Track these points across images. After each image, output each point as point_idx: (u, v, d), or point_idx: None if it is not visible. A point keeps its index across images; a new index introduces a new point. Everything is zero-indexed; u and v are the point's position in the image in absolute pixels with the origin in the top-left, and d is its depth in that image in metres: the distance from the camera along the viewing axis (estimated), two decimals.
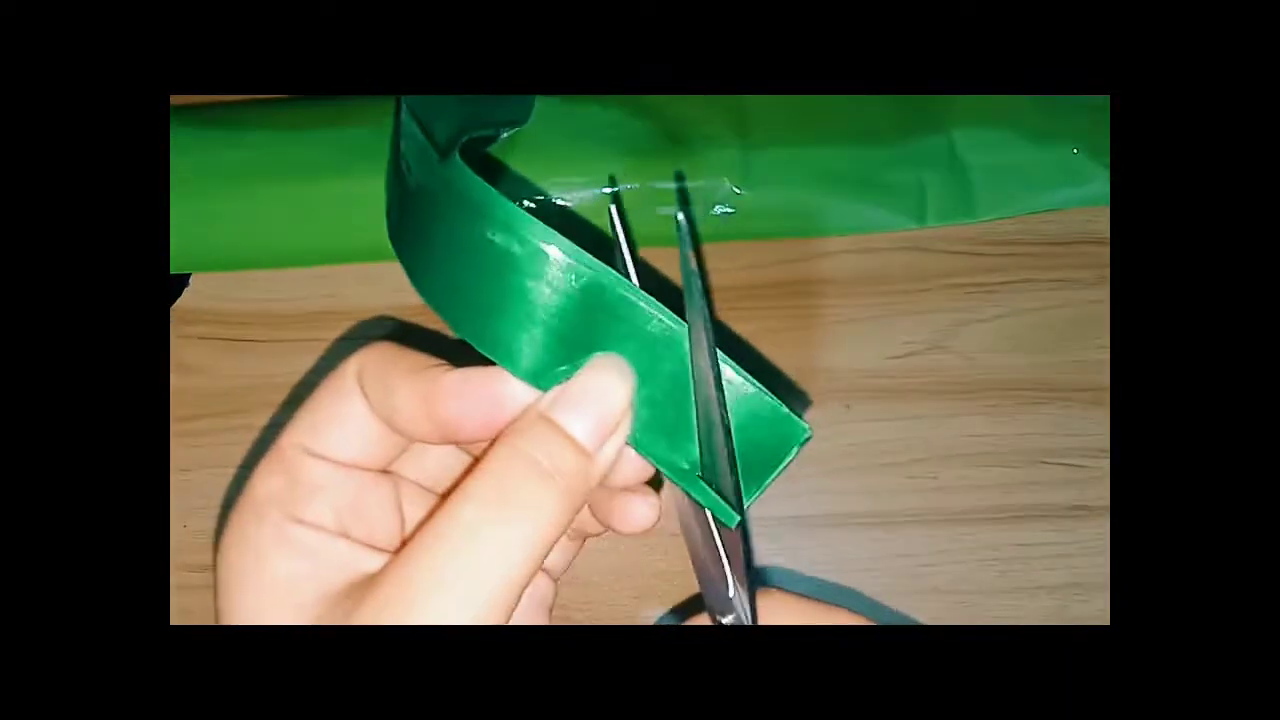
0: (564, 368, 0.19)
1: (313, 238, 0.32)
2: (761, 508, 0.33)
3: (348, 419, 0.20)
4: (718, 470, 0.20)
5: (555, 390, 0.19)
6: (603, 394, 0.19)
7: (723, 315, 0.33)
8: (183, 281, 0.34)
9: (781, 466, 0.21)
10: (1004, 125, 0.33)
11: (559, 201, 0.32)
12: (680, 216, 0.19)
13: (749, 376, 0.20)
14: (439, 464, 0.22)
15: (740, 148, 0.32)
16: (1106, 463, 0.32)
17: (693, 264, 0.18)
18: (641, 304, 0.19)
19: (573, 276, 0.19)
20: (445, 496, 0.19)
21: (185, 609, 0.32)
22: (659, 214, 0.32)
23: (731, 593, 0.20)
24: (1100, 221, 0.34)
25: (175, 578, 0.32)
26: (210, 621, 0.32)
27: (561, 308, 0.19)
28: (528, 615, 0.22)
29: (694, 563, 0.22)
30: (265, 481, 0.20)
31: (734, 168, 0.32)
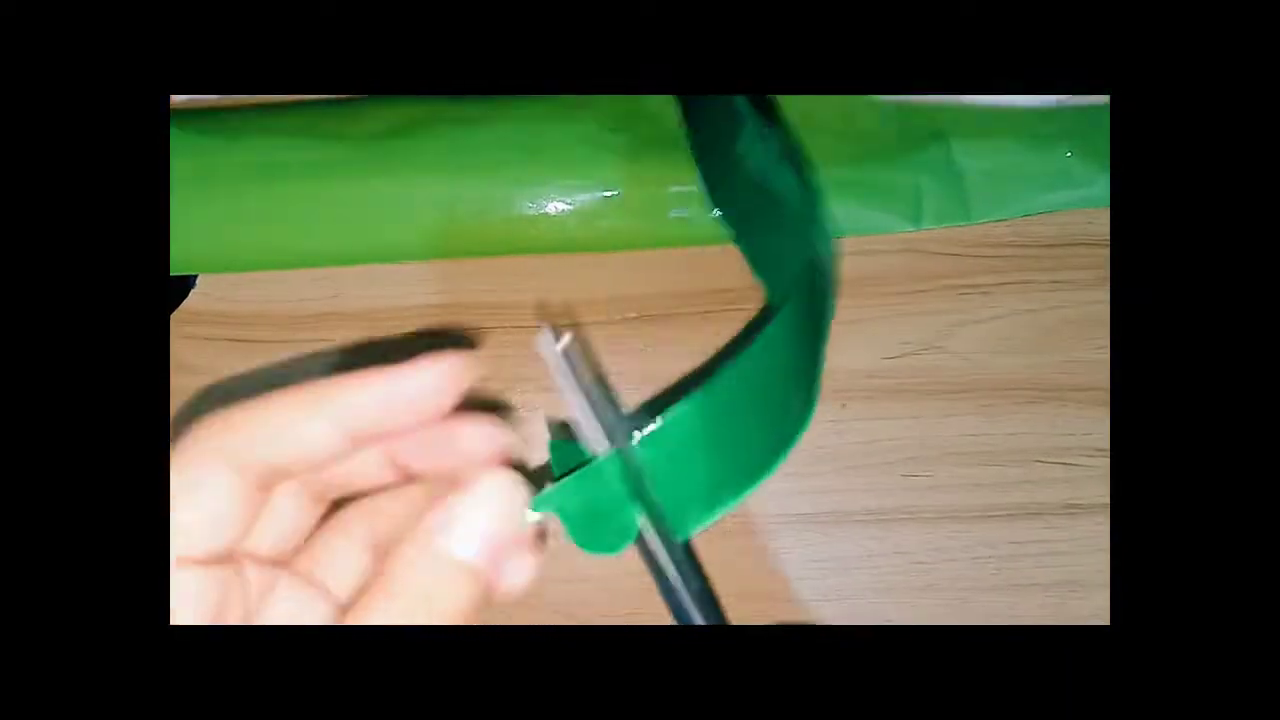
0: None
1: (316, 239, 0.32)
2: (760, 506, 0.33)
3: (204, 506, 0.19)
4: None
5: (445, 511, 0.19)
6: (490, 511, 0.19)
7: (721, 317, 0.33)
8: (189, 282, 0.33)
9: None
10: (999, 129, 0.34)
11: (561, 205, 0.32)
12: (565, 342, 0.19)
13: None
14: (284, 531, 0.22)
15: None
16: (1102, 462, 0.33)
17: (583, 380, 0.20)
18: None
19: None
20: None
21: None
22: (671, 218, 0.33)
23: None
24: (1096, 224, 0.34)
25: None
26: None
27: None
28: None
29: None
30: None
31: None
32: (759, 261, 0.32)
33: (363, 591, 0.19)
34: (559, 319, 0.20)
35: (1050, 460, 0.33)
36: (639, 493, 0.21)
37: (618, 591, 0.32)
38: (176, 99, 0.35)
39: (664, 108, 0.33)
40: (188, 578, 0.19)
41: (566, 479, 0.21)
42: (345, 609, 0.20)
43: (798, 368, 0.25)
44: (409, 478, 0.22)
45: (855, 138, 0.33)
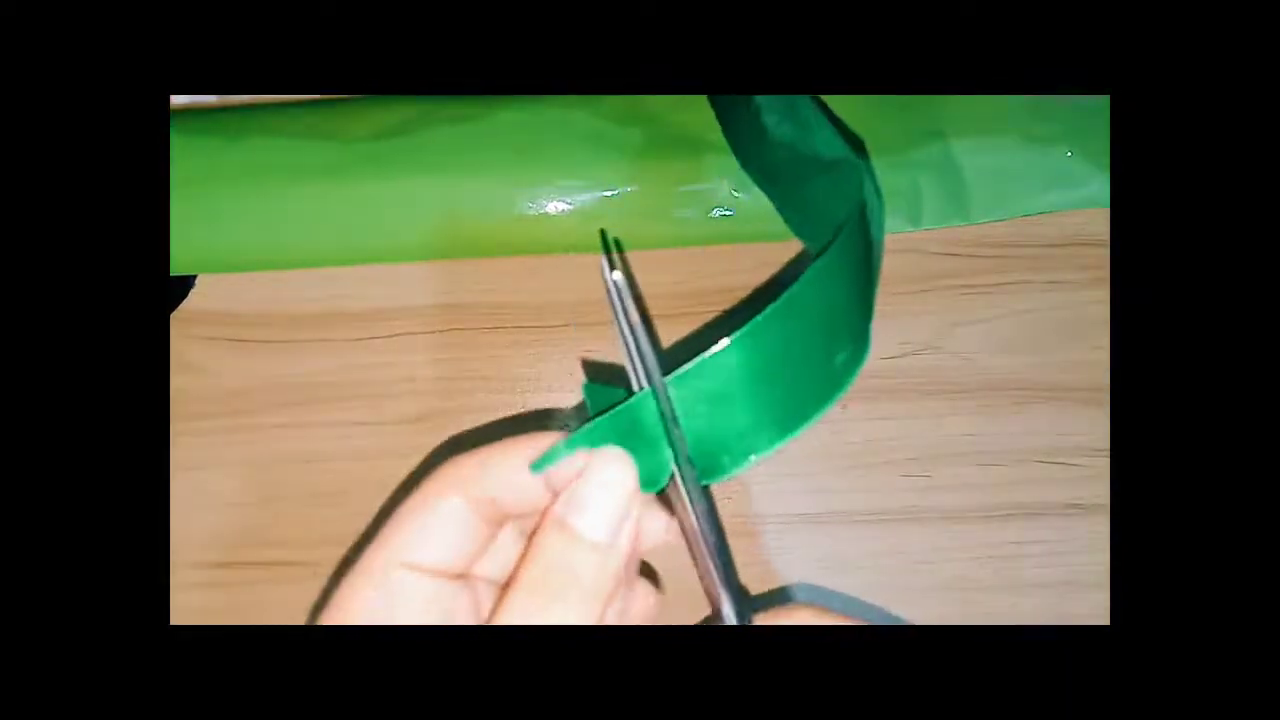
0: None
1: (319, 239, 0.32)
2: (760, 505, 0.33)
3: (442, 526, 0.22)
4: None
5: (567, 493, 0.21)
6: (608, 491, 0.21)
7: (721, 317, 0.33)
8: (188, 282, 0.34)
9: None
10: (999, 129, 0.34)
11: (561, 205, 0.32)
12: (616, 276, 0.20)
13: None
14: (510, 560, 0.23)
15: None
16: (1100, 461, 0.33)
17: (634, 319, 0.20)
18: None
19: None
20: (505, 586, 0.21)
21: (185, 609, 0.32)
22: (675, 216, 0.33)
23: (725, 609, 0.22)
24: (1094, 224, 0.34)
25: (175, 577, 0.32)
26: (210, 621, 0.32)
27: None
28: None
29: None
30: (359, 595, 0.21)
31: (733, 171, 0.32)
32: (794, 211, 0.32)
33: (510, 580, 0.20)
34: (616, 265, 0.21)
35: (1049, 460, 0.33)
36: (672, 433, 0.21)
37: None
38: (178, 99, 0.35)
39: (665, 108, 0.33)
40: (412, 581, 0.21)
41: (601, 417, 0.21)
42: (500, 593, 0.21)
43: (844, 312, 0.24)
44: None
45: (854, 137, 0.33)
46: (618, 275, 0.21)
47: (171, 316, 0.33)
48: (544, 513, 0.21)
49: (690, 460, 0.21)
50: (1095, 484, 0.33)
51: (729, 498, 0.33)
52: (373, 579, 0.21)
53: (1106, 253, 0.34)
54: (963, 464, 0.33)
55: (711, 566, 0.22)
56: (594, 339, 0.33)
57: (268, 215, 0.32)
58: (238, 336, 0.34)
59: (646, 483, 0.21)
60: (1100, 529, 0.32)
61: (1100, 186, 0.33)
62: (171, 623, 0.19)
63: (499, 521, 0.22)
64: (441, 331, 0.33)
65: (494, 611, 0.20)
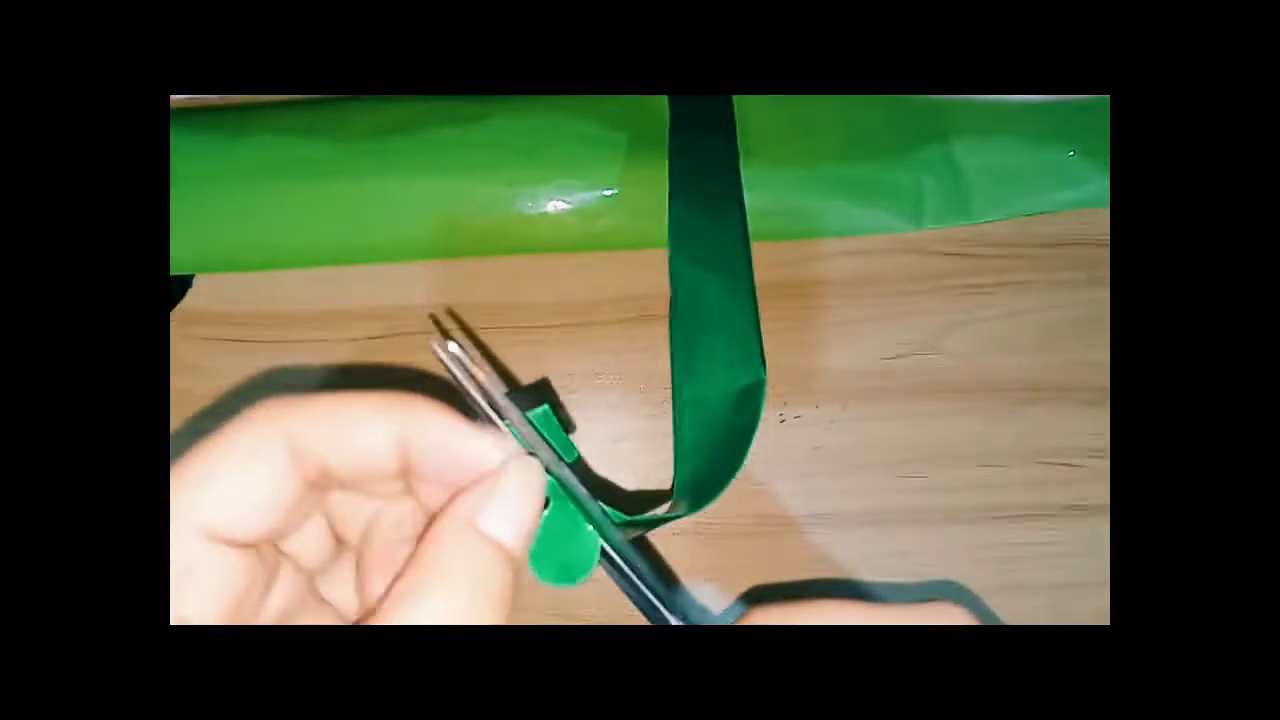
0: None
1: (317, 239, 0.33)
2: (759, 506, 0.33)
3: (259, 488, 0.18)
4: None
5: (479, 495, 0.19)
6: (527, 499, 0.20)
7: None
8: (186, 282, 0.34)
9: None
10: (1000, 128, 0.34)
11: (561, 204, 0.32)
12: (451, 347, 0.19)
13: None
14: (315, 545, 0.21)
15: (739, 151, 0.32)
16: (1100, 462, 0.33)
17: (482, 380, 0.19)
18: None
19: None
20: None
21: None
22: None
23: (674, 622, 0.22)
24: (1094, 224, 0.34)
25: None
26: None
27: None
28: None
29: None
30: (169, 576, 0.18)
31: None
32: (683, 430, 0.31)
33: (401, 576, 0.19)
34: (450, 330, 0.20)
35: (1049, 461, 0.33)
36: (588, 508, 0.21)
37: (616, 591, 0.32)
38: (177, 98, 0.35)
39: (664, 108, 0.33)
40: (214, 558, 0.18)
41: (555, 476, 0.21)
42: (379, 600, 0.19)
43: None
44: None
45: (857, 137, 0.33)
46: (455, 348, 0.19)
47: (170, 316, 0.33)
48: (444, 509, 0.19)
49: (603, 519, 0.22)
50: (1095, 484, 0.33)
51: (729, 498, 0.33)
52: (175, 549, 0.17)
53: (1106, 253, 0.34)
54: (962, 464, 0.33)
55: (657, 602, 0.22)
56: (592, 339, 0.33)
57: (267, 214, 0.32)
58: (237, 336, 0.34)
59: (571, 573, 0.21)
60: (1100, 529, 0.32)
61: (1101, 186, 0.33)
62: (172, 622, 0.19)
63: (321, 488, 0.19)
64: (440, 331, 0.33)
65: (392, 601, 0.18)
